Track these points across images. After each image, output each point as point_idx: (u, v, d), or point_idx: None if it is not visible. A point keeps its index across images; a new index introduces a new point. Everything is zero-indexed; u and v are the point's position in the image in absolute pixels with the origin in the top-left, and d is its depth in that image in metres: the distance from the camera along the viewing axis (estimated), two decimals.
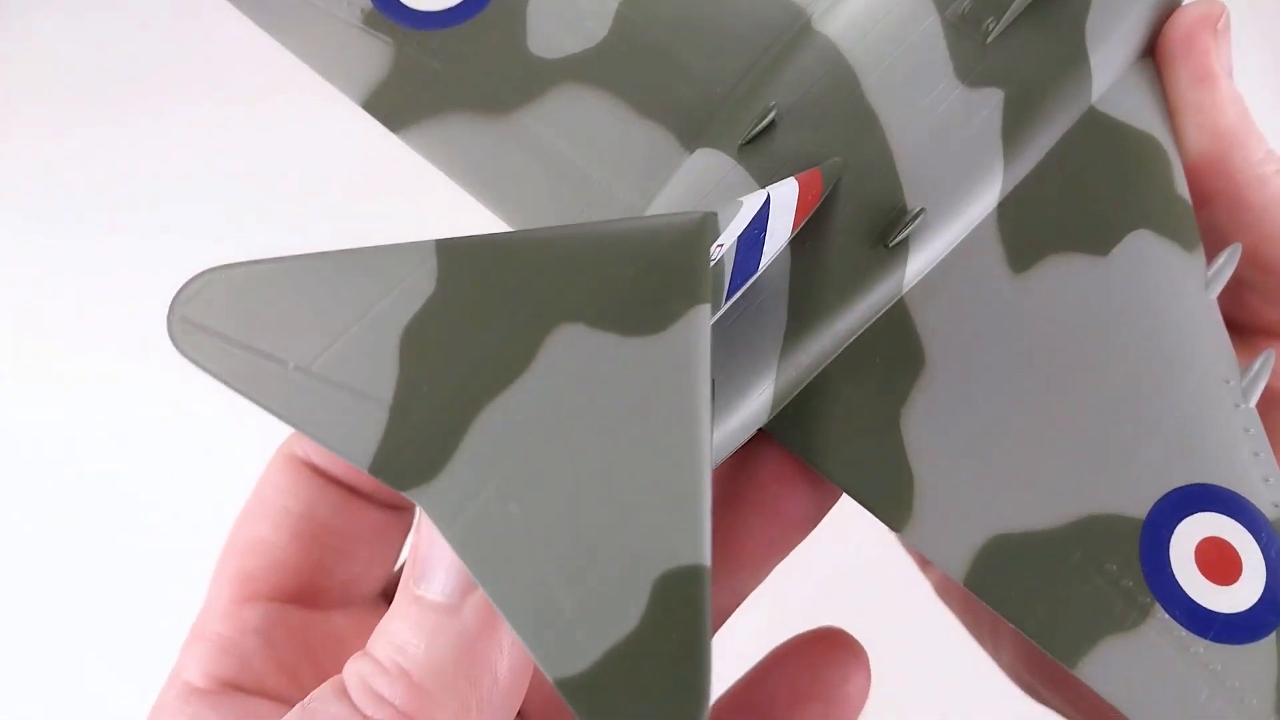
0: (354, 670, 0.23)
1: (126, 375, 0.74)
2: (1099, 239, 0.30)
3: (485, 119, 0.31)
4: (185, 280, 0.21)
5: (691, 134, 0.31)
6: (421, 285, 0.21)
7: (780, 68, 0.31)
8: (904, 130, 0.29)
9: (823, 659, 0.33)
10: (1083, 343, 0.29)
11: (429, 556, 0.23)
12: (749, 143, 0.29)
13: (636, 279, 0.22)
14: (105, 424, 0.73)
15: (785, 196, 0.27)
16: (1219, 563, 0.27)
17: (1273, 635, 0.26)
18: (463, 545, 0.20)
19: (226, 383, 0.21)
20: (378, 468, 0.20)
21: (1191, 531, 0.27)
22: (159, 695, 0.29)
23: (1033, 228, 0.30)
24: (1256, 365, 0.29)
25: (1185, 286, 0.30)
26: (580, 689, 0.19)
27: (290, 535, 0.31)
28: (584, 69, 0.31)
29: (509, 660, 0.23)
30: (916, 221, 0.28)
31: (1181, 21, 0.31)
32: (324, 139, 0.74)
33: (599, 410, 0.21)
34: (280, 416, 0.21)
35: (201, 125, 0.84)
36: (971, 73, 0.30)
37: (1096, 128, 0.31)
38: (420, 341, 0.21)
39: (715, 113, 0.31)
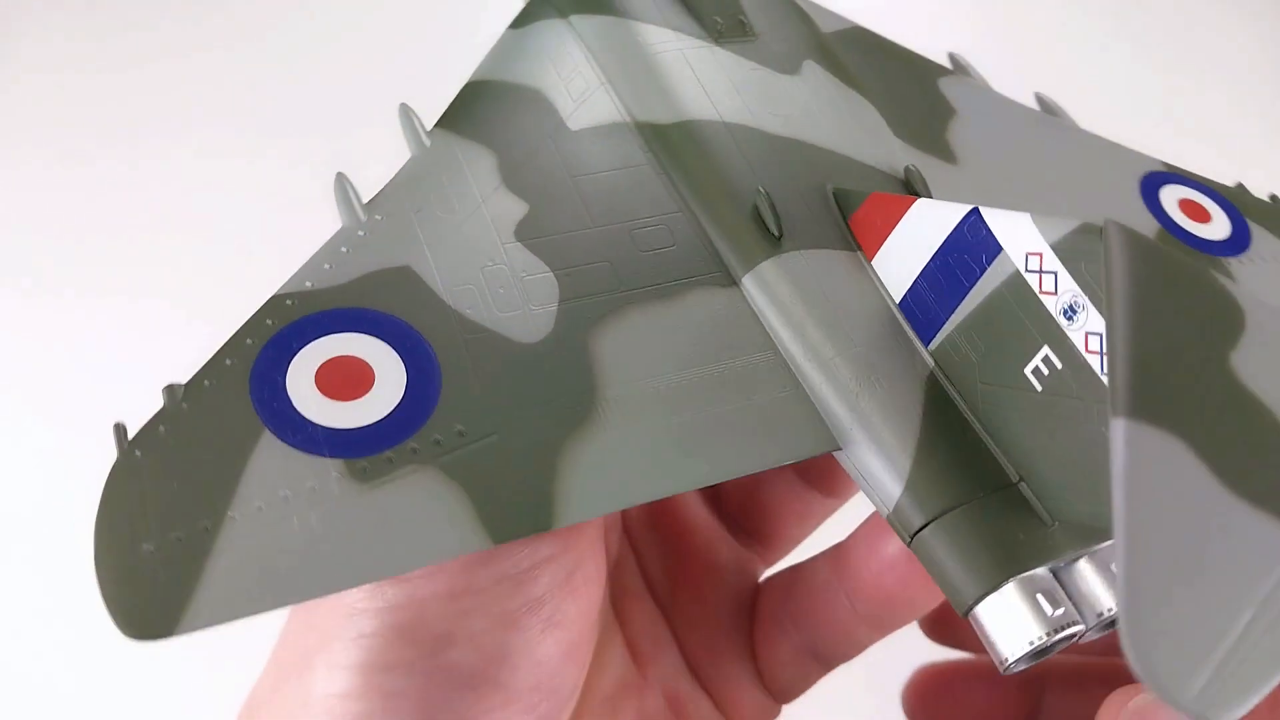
0: None
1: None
2: (942, 109, 0.38)
3: (583, 432, 0.28)
4: None
5: (720, 274, 0.31)
6: None
7: (702, 168, 0.33)
8: (816, 132, 0.34)
9: None
10: (1023, 164, 0.38)
11: None
12: (777, 233, 0.31)
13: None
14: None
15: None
16: (1194, 210, 0.38)
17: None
18: None
19: None
20: None
21: (1170, 196, 0.38)
22: None
23: (920, 126, 0.36)
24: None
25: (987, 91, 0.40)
26: None
27: None
28: (586, 313, 0.30)
29: None
30: (921, 176, 0.33)
31: None
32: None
33: None
34: None
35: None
36: (784, 64, 0.35)
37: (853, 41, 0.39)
38: None
39: (714, 245, 0.32)
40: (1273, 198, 0.40)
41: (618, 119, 0.34)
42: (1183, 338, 0.22)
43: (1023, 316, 0.26)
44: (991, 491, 0.27)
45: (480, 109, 0.34)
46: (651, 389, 0.29)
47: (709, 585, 0.43)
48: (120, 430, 0.26)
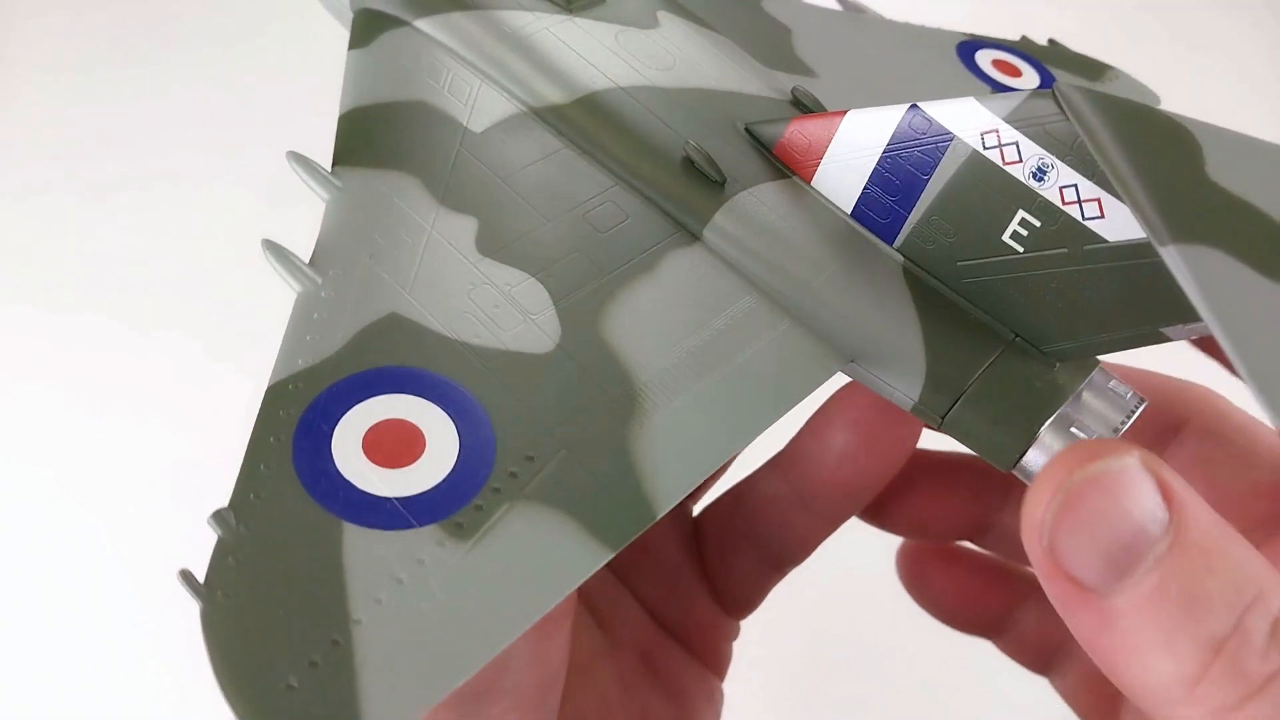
0: None
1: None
2: (779, 29, 0.41)
3: (639, 419, 0.28)
4: None
5: (681, 233, 0.32)
6: None
7: (620, 137, 0.33)
8: (702, 77, 0.36)
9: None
10: (865, 61, 0.41)
11: None
12: (720, 180, 0.32)
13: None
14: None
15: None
16: (1006, 67, 0.43)
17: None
18: None
19: None
20: None
21: (985, 59, 0.42)
22: None
23: (772, 50, 0.39)
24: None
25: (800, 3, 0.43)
26: None
27: None
28: (585, 306, 0.30)
29: None
30: (810, 94, 0.36)
31: None
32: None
33: None
34: None
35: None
36: (642, 20, 0.37)
37: None
38: None
39: (663, 204, 0.32)
40: (1050, 42, 0.46)
41: (514, 110, 0.33)
42: (1168, 165, 0.25)
43: (989, 191, 0.29)
44: (998, 354, 0.30)
45: (374, 137, 0.32)
46: (674, 360, 0.29)
47: (651, 533, 0.44)
48: (188, 576, 0.23)
